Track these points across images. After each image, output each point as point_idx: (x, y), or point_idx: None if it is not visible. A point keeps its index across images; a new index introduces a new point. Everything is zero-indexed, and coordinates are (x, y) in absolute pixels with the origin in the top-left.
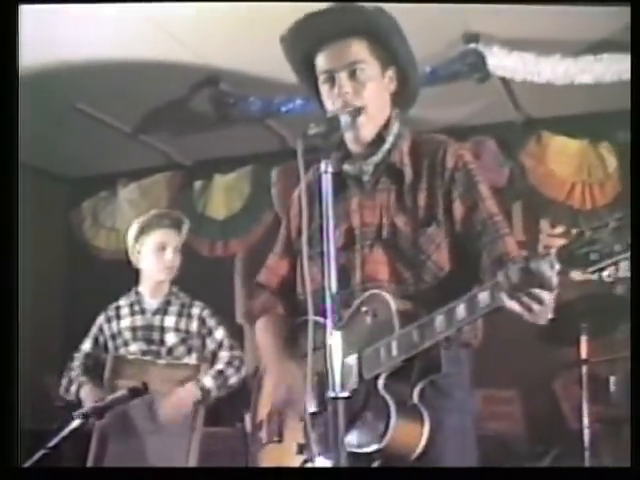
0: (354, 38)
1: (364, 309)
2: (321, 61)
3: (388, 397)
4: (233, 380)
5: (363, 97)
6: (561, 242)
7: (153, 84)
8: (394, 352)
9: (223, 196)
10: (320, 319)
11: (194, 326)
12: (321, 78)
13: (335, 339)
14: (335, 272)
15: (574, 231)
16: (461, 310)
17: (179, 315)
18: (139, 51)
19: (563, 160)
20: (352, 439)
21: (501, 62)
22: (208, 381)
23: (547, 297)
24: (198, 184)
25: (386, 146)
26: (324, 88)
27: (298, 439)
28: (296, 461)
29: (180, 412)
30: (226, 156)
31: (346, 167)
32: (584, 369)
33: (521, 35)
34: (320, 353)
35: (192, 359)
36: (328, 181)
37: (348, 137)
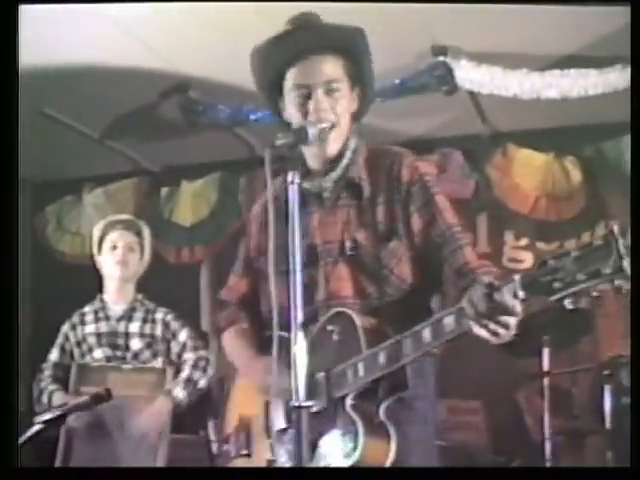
0: (331, 55)
1: (329, 328)
2: (297, 75)
3: (356, 417)
4: (202, 383)
5: (337, 114)
6: (525, 255)
7: (122, 90)
8: (361, 373)
9: (190, 203)
10: (286, 334)
11: (158, 330)
12: (297, 92)
13: (300, 348)
14: (301, 286)
15: (537, 244)
16: (427, 334)
17: (144, 321)
18: (108, 57)
19: (528, 173)
20: (320, 458)
21: (469, 75)
22: (179, 392)
23: (512, 322)
24: (165, 190)
25: (344, 161)
26: (297, 101)
27: (267, 454)
28: None
29: (155, 426)
30: (194, 163)
31: (305, 184)
32: (546, 381)
33: (489, 49)
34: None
35: (158, 363)
36: (295, 192)
37: (309, 153)
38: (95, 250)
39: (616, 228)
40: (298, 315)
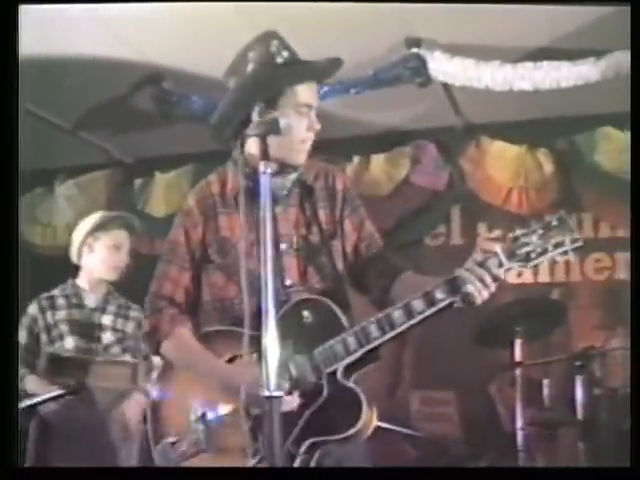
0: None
1: (303, 313)
2: (302, 93)
3: (355, 387)
4: None
5: (315, 130)
6: (498, 247)
7: (95, 81)
8: (353, 346)
9: (163, 194)
10: (237, 329)
11: (130, 327)
12: (300, 109)
13: (271, 339)
14: (271, 273)
15: (510, 235)
16: (419, 304)
17: (116, 315)
18: (81, 48)
19: (501, 165)
20: (317, 428)
21: (442, 67)
22: (153, 391)
23: (494, 285)
24: (138, 182)
25: (302, 168)
26: (294, 116)
27: (227, 444)
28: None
29: (132, 420)
30: (167, 154)
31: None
32: (518, 372)
33: (462, 41)
34: (242, 359)
35: (127, 358)
36: (267, 181)
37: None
38: (84, 234)
39: (563, 212)
40: (269, 307)
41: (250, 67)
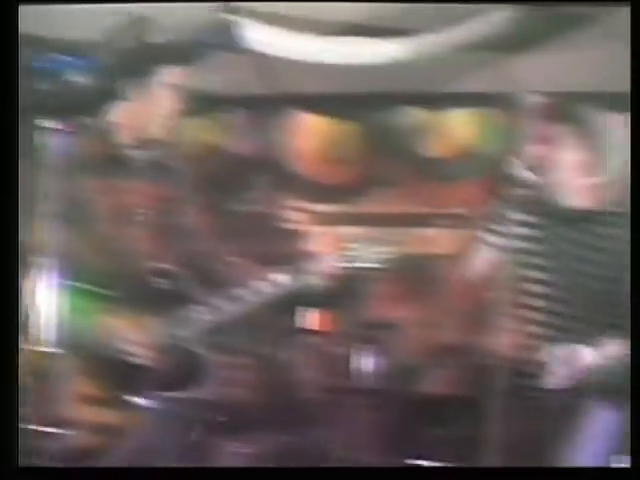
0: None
1: (151, 279)
2: (170, 73)
3: (203, 352)
4: None
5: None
6: (303, 217)
7: None
8: (204, 316)
9: None
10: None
11: None
12: (167, 88)
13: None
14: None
15: (315, 206)
16: (266, 286)
17: None
18: None
19: (311, 137)
20: (164, 384)
21: (256, 36)
22: None
23: (331, 278)
24: None
25: (161, 145)
26: (160, 94)
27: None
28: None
29: None
30: None
31: (136, 152)
32: (315, 340)
33: (277, 10)
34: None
35: None
36: (59, 140)
37: (142, 126)
38: None
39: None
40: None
41: (122, 44)
